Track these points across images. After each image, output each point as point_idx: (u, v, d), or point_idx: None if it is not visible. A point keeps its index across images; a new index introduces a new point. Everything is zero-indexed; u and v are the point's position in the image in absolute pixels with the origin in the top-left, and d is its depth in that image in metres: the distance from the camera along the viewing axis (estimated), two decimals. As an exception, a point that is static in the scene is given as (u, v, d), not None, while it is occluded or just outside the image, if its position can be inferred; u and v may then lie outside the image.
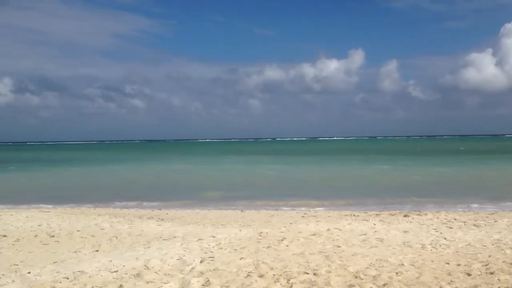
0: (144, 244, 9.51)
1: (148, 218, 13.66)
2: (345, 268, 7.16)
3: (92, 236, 10.54)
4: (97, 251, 9.01)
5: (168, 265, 7.55)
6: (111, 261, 7.95)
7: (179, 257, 8.06)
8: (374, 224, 11.66)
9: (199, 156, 65.49)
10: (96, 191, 23.49)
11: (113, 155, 72.91)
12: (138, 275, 6.98)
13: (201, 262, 7.68)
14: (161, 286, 6.47)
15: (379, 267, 7.25)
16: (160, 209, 16.64)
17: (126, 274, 7.05)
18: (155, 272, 7.10)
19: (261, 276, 6.81)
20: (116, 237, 10.39)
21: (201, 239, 9.80)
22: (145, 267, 7.40)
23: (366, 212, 14.59)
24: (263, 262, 7.61)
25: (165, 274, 7.00)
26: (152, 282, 6.65)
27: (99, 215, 14.26)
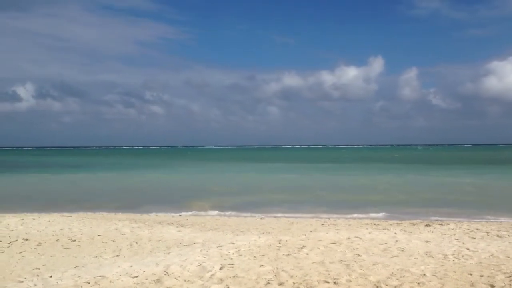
0: (164, 250, 9.55)
1: (168, 223, 13.72)
2: (366, 278, 7.09)
3: (113, 241, 10.63)
4: (118, 256, 9.08)
5: (188, 271, 7.57)
6: (131, 266, 8.01)
7: (198, 263, 8.08)
8: (395, 234, 11.53)
9: (217, 162, 65.67)
10: (117, 196, 23.67)
11: (132, 160, 73.55)
12: (158, 280, 7.01)
13: (220, 268, 7.69)
14: (181, 292, 6.48)
15: (401, 277, 7.16)
16: (180, 215, 16.71)
17: (147, 279, 7.09)
18: (175, 278, 7.13)
19: (281, 284, 6.78)
20: (137, 242, 10.46)
21: (221, 246, 9.80)
22: (165, 273, 7.43)
23: (386, 221, 14.45)
24: (282, 270, 7.58)
25: (185, 280, 7.02)
26: (172, 288, 6.67)
27: (119, 220, 14.38)
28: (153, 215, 16.74)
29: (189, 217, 16.09)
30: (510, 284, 6.73)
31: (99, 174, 40.81)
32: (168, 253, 9.23)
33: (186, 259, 8.45)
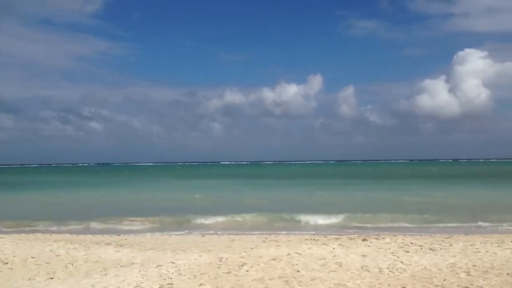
0: (101, 271, 9.31)
1: (106, 244, 13.39)
2: (304, 293, 7.20)
3: (47, 263, 10.25)
4: (52, 278, 8.77)
5: (125, 292, 7.41)
6: (66, 289, 7.75)
7: (136, 284, 7.93)
8: (333, 248, 11.78)
9: (161, 178, 64.75)
10: (52, 216, 22.81)
11: (69, 178, 71.21)
12: (93, 303, 6.83)
13: (159, 289, 7.58)
14: (118, 314, 6.35)
15: (337, 291, 7.33)
16: (119, 235, 16.34)
17: (82, 302, 6.89)
18: (111, 300, 6.97)
19: (220, 302, 6.77)
20: (72, 264, 10.13)
21: (160, 265, 9.67)
22: (102, 295, 7.24)
23: (325, 236, 14.74)
24: (222, 288, 7.57)
25: (122, 302, 6.87)
26: (108, 310, 6.52)
27: (54, 241, 13.87)
28: (90, 235, 16.27)
29: (128, 236, 15.76)
30: (441, 295, 7.03)
31: (32, 193, 39.21)
32: (105, 274, 9.01)
33: (123, 280, 8.28)
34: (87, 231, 18.01)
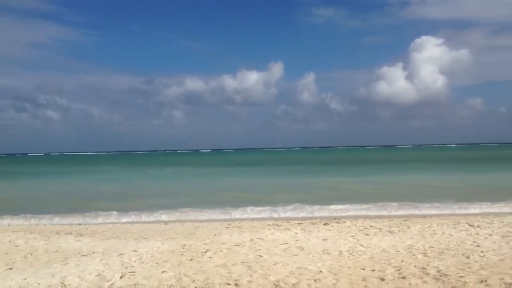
0: (62, 261, 9.17)
1: (66, 233, 13.17)
2: (266, 277, 7.30)
3: (6, 254, 10.02)
4: (11, 269, 8.58)
5: (86, 281, 7.34)
6: (25, 279, 7.62)
7: (98, 273, 7.86)
8: (296, 233, 11.96)
9: (122, 167, 63.85)
10: (10, 206, 22.24)
11: (25, 168, 69.39)
12: (54, 293, 6.74)
13: (121, 277, 7.54)
14: (79, 303, 6.29)
15: (299, 275, 7.46)
16: (80, 224, 16.09)
17: (41, 292, 6.78)
18: (72, 290, 6.89)
19: (182, 289, 6.80)
20: (32, 254, 9.94)
21: (122, 254, 9.60)
22: (62, 285, 7.16)
23: (288, 222, 14.92)
24: (185, 275, 7.59)
25: (83, 291, 6.80)
26: (69, 300, 6.45)
27: (13, 231, 13.55)
28: (50, 225, 15.97)
29: (89, 226, 15.55)
30: (399, 277, 7.24)
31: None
32: (66, 264, 8.88)
33: (84, 269, 8.18)
34: (46, 221, 17.63)
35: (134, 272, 7.89)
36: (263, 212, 18.72)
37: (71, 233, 13.25)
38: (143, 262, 8.72)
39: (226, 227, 13.80)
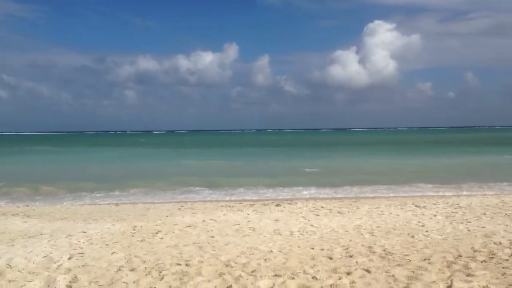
0: (8, 242, 8.89)
1: (13, 214, 12.77)
2: (217, 258, 7.34)
3: None
4: (-49, 252, 8.25)
5: (33, 263, 7.15)
6: (-33, 262, 7.34)
7: (45, 254, 7.67)
8: (248, 214, 12.05)
9: (65, 148, 62.22)
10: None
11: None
12: (-2, 275, 6.54)
13: (69, 258, 7.39)
14: (25, 284, 6.13)
15: (250, 255, 7.54)
16: (27, 205, 15.63)
17: (-15, 275, 6.57)
18: (18, 271, 6.70)
19: (132, 269, 6.74)
20: (-26, 237, 9.58)
21: (71, 235, 9.40)
22: (8, 266, 6.95)
23: (241, 203, 15.00)
24: (135, 256, 7.52)
25: (30, 273, 6.63)
26: (14, 281, 6.28)
27: (-46, 213, 13.02)
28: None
29: (37, 207, 15.12)
30: (346, 256, 7.43)
31: None
32: (12, 245, 8.61)
33: (31, 251, 7.97)
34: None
35: (82, 253, 7.75)
36: (216, 194, 18.73)
37: (17, 214, 12.86)
38: (92, 244, 8.58)
39: (179, 209, 13.74)
